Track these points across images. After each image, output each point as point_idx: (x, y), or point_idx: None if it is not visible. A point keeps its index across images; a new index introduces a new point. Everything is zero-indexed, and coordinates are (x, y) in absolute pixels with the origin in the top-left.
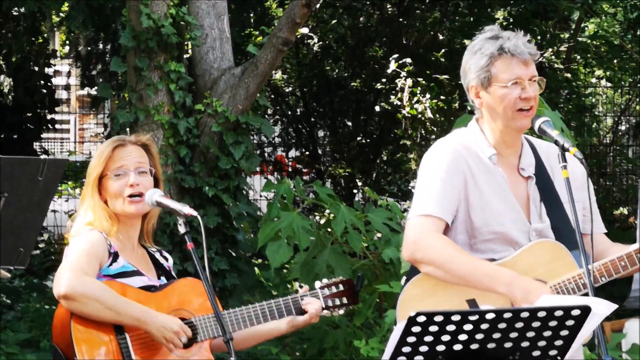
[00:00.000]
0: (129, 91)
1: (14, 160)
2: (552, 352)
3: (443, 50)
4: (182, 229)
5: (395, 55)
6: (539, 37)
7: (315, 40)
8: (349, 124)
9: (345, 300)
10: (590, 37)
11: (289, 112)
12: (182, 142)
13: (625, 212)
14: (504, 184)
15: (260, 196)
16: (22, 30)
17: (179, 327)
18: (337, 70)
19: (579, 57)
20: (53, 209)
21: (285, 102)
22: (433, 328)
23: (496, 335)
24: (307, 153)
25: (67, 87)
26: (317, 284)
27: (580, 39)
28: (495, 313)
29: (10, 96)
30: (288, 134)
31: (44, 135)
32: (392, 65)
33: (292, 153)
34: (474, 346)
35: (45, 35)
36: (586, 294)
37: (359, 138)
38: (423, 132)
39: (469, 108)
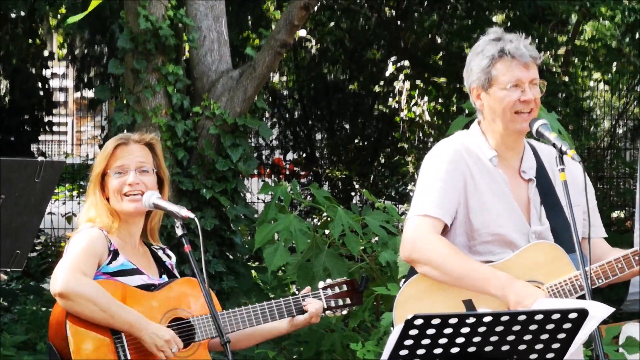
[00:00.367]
0: (127, 93)
1: (11, 162)
2: (550, 355)
3: (441, 54)
4: (179, 232)
5: (393, 58)
6: (536, 41)
7: (313, 43)
8: (347, 126)
9: (348, 301)
10: (588, 41)
11: (287, 115)
12: (179, 144)
13: (622, 215)
14: (505, 186)
15: (258, 199)
16: (19, 33)
17: (171, 337)
18: (335, 73)
19: (576, 60)
20: (50, 212)
21: (283, 104)
22: (430, 331)
23: (493, 338)
24: (304, 156)
25: (64, 90)
26: (321, 284)
27: (578, 42)
28: (493, 316)
29: (6, 99)
30: (286, 136)
31: (41, 137)
32: (390, 68)
33: (290, 156)
34: (472, 349)
35: (43, 37)
36: (582, 296)
37: (356, 141)
38: (421, 135)
39: (466, 111)
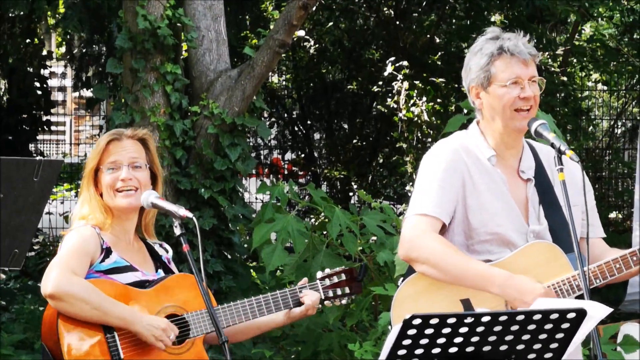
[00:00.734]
0: (125, 93)
1: (9, 161)
2: (548, 355)
3: (439, 54)
4: (177, 231)
5: (392, 58)
6: (535, 41)
7: (312, 43)
8: (345, 126)
9: (347, 290)
10: (587, 41)
11: (285, 115)
12: (178, 144)
13: (621, 215)
14: (503, 186)
15: (256, 198)
16: (17, 32)
17: (166, 325)
18: (333, 73)
19: (575, 60)
20: (48, 211)
21: (281, 104)
22: (429, 331)
23: (492, 338)
24: (303, 155)
25: (62, 89)
26: (319, 274)
27: (576, 42)
28: (491, 316)
29: (5, 98)
30: (284, 136)
31: (39, 137)
32: (389, 68)
33: (288, 155)
34: (470, 349)
35: (42, 36)
36: (580, 296)
37: (355, 141)
38: (419, 135)
39: (465, 110)
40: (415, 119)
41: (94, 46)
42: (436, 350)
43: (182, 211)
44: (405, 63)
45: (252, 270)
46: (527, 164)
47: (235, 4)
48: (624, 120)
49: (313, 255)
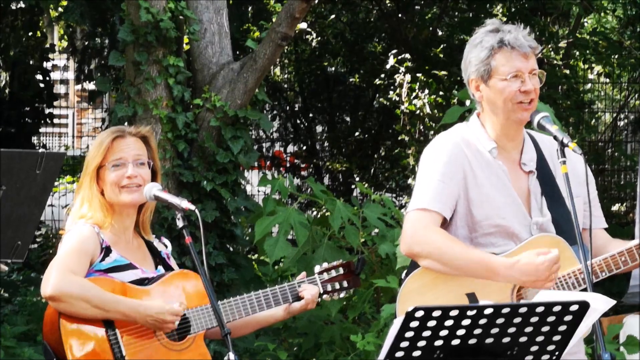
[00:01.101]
0: (128, 85)
1: (12, 153)
2: (550, 348)
3: (442, 46)
4: (180, 223)
5: (394, 51)
6: (537, 33)
7: (314, 35)
8: (348, 119)
9: (345, 284)
10: (589, 34)
11: (288, 108)
12: (180, 136)
13: (623, 208)
14: (505, 178)
15: (258, 191)
16: (19, 25)
17: (170, 314)
18: (335, 66)
19: (577, 53)
20: (50, 204)
21: (283, 97)
22: (431, 323)
23: (494, 331)
24: (305, 148)
25: (64, 82)
26: (317, 268)
27: (579, 35)
28: (494, 308)
29: (6, 91)
30: (286, 129)
31: (42, 129)
32: (391, 61)
33: (290, 148)
34: (472, 341)
35: (44, 29)
36: (586, 289)
37: (357, 134)
38: (421, 127)
39: (467, 102)
40: (418, 111)
41: (97, 39)
42: (438, 343)
43: (185, 203)
44: (407, 56)
45: (254, 263)
46: (528, 156)
47: None
48: (626, 113)
49: (314, 247)
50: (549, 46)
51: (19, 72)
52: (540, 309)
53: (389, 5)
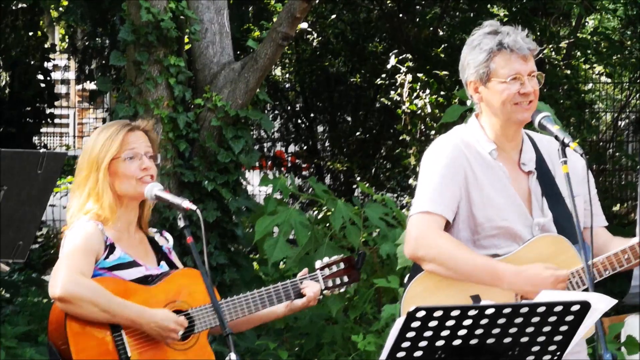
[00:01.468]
0: (129, 85)
1: (13, 153)
2: (552, 348)
3: (443, 46)
4: (181, 223)
5: (395, 51)
6: (538, 33)
7: (315, 35)
8: (349, 119)
9: (346, 279)
10: (591, 34)
11: (289, 107)
12: (181, 136)
13: (625, 208)
14: (505, 179)
15: (260, 191)
16: (20, 25)
17: (174, 323)
18: (336, 66)
19: (578, 53)
20: (52, 204)
21: (284, 97)
22: (432, 323)
23: (495, 331)
24: (306, 148)
25: (65, 82)
26: (317, 263)
27: (580, 35)
28: (495, 308)
29: (6, 91)
30: (287, 129)
31: (43, 129)
32: (392, 61)
33: (292, 148)
34: (474, 341)
35: (45, 29)
36: (587, 289)
37: (358, 133)
38: (422, 127)
39: (468, 102)
40: (419, 111)
41: (97, 39)
42: (440, 343)
43: (186, 203)
44: (408, 56)
45: (255, 263)
46: (527, 156)
47: None
48: (627, 113)
49: (315, 247)
50: (550, 46)
51: (19, 72)
52: (541, 309)
53: (390, 5)
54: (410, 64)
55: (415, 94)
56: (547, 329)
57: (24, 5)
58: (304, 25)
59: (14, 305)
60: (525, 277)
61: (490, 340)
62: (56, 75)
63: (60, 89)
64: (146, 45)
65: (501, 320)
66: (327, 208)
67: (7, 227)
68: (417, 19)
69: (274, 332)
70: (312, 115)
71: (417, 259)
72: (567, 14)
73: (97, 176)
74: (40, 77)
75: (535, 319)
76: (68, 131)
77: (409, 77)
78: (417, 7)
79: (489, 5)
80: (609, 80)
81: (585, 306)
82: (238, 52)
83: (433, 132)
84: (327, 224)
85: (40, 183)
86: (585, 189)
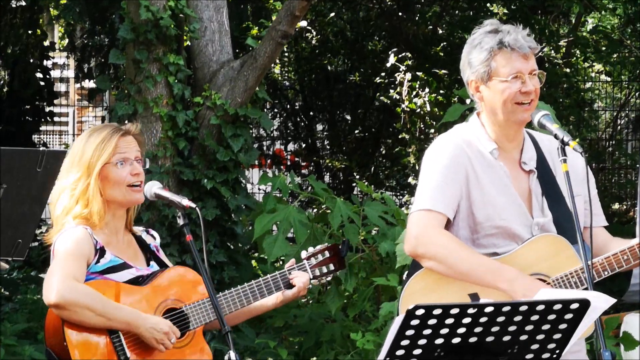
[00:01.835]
0: (128, 83)
1: (12, 151)
2: (551, 346)
3: (442, 45)
4: (180, 221)
5: (395, 49)
6: (537, 32)
7: (314, 33)
8: (348, 117)
9: (332, 267)
10: (590, 32)
11: (288, 106)
12: (180, 134)
13: (624, 207)
14: (506, 179)
15: (259, 189)
16: (19, 23)
17: (169, 328)
18: (336, 64)
19: (578, 51)
20: (50, 202)
21: (284, 95)
22: (432, 321)
23: (495, 329)
24: (305, 146)
25: (64, 80)
26: (303, 253)
27: (579, 33)
28: (494, 306)
29: (4, 90)
30: (287, 127)
31: (42, 128)
32: (392, 59)
33: (291, 146)
34: (473, 339)
35: (44, 27)
36: (586, 289)
37: (357, 132)
38: (422, 126)
39: (467, 101)
40: (418, 110)
41: (96, 37)
42: (439, 341)
43: (185, 201)
44: (408, 54)
45: (254, 261)
46: (528, 156)
47: None
48: (627, 111)
49: (315, 244)
50: (550, 45)
51: (18, 71)
52: (540, 308)
53: (389, 3)
54: (410, 62)
55: (414, 93)
56: (546, 327)
57: (23, 3)
58: (303, 23)
59: (14, 303)
60: (523, 282)
61: (490, 339)
62: (55, 74)
63: (60, 87)
64: (145, 44)
65: (500, 319)
66: (326, 206)
67: (6, 226)
68: (417, 18)
69: (273, 331)
70: (311, 113)
71: (417, 256)
72: (567, 12)
73: (88, 181)
74: (40, 75)
75: (535, 317)
76: (67, 129)
77: (409, 75)
78: (417, 5)
79: (488, 4)
80: (609, 78)
81: (585, 305)
82: (237, 51)
83: (432, 130)
84: (327, 223)
85: (40, 181)
86: (586, 188)
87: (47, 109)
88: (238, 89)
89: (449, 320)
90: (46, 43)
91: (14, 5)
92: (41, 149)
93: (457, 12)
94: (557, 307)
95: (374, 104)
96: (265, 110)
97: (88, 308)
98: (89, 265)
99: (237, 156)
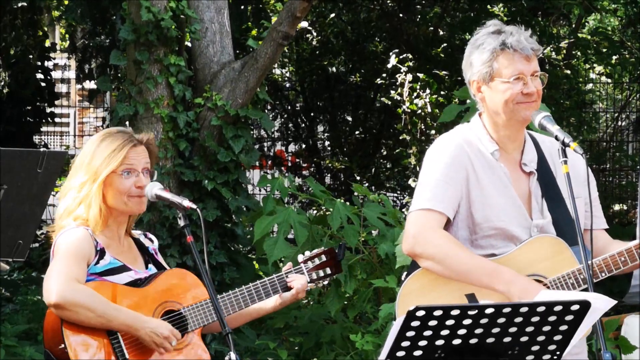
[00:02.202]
0: (129, 84)
1: (13, 152)
2: (551, 347)
3: (443, 46)
4: (181, 222)
5: (396, 51)
6: (538, 34)
7: (315, 34)
8: (349, 118)
9: (328, 271)
10: (591, 34)
11: (289, 107)
12: (181, 135)
13: (625, 208)
14: (506, 180)
15: (260, 190)
16: (19, 24)
17: (169, 332)
18: (336, 65)
19: (579, 53)
20: (52, 203)
21: (284, 96)
22: (432, 323)
23: (495, 330)
24: (305, 147)
25: (65, 81)
26: (300, 257)
27: (580, 35)
28: (495, 308)
29: (4, 91)
30: (287, 128)
31: (43, 128)
32: (393, 60)
33: (292, 147)
34: (473, 341)
35: (45, 28)
36: (586, 289)
37: (358, 133)
38: (423, 127)
39: (468, 101)
40: (419, 111)
41: (97, 38)
42: (439, 342)
43: (186, 202)
44: (408, 55)
45: (255, 262)
46: (529, 157)
47: None
48: (627, 113)
49: (315, 247)
50: (550, 46)
51: (19, 71)
52: (541, 309)
53: (390, 4)
54: (411, 63)
55: (415, 94)
56: (546, 328)
57: (24, 4)
58: (304, 24)
59: (14, 304)
60: (521, 284)
61: (490, 340)
62: (56, 74)
63: (61, 88)
64: (146, 45)
65: (501, 320)
66: (325, 208)
67: (7, 226)
68: (418, 19)
69: (273, 332)
70: (312, 114)
71: (415, 256)
72: (567, 14)
73: (92, 186)
74: (40, 76)
75: (535, 319)
76: (68, 130)
77: (409, 76)
78: (418, 6)
79: (489, 6)
80: (609, 80)
81: (585, 306)
82: (237, 52)
83: (433, 131)
84: (326, 224)
85: (41, 182)
86: (586, 190)
87: (48, 110)
88: (239, 90)
89: (450, 322)
90: (47, 44)
91: (14, 6)
92: (42, 149)
93: (458, 13)
94: (558, 308)
95: (375, 105)
96: (266, 111)
97: (88, 309)
98: (89, 265)
99: (238, 157)
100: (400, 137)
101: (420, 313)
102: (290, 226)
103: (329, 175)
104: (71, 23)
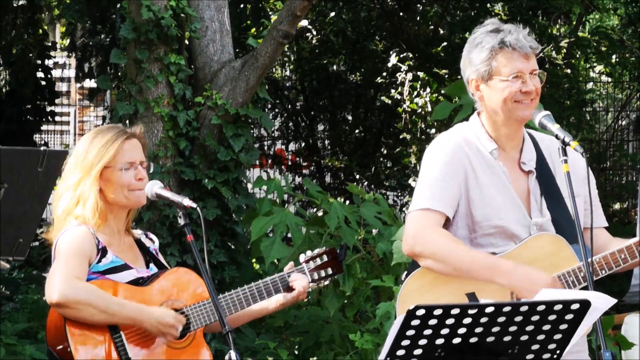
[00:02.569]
0: (129, 83)
1: (13, 151)
2: (551, 346)
3: (443, 45)
4: (181, 221)
5: (396, 50)
6: (537, 33)
7: (315, 33)
8: (349, 117)
9: (330, 271)
10: (591, 33)
11: (289, 106)
12: (181, 134)
13: (625, 206)
14: (505, 179)
15: (260, 189)
16: (20, 23)
17: (174, 320)
18: (337, 64)
19: (579, 52)
20: (52, 202)
21: (284, 95)
22: (432, 322)
23: (495, 329)
24: (305, 146)
25: (66, 80)
26: (302, 257)
27: (580, 34)
28: (495, 307)
29: (4, 89)
30: (288, 127)
31: (43, 127)
32: (393, 59)
33: (292, 146)
34: (473, 340)
35: (45, 27)
36: (585, 287)
37: (358, 132)
38: (423, 126)
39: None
40: (419, 110)
41: (97, 37)
42: (439, 341)
43: (186, 201)
44: (409, 54)
45: (253, 261)
46: (528, 156)
47: None
48: (627, 112)
49: (312, 247)
50: (550, 46)
51: (19, 70)
52: (541, 308)
53: (390, 3)
54: (411, 62)
55: (415, 93)
56: (546, 327)
57: (24, 2)
58: (304, 23)
59: (14, 303)
60: (523, 274)
61: (490, 339)
62: (57, 73)
63: (61, 86)
64: (147, 43)
65: (501, 319)
66: (322, 208)
67: (7, 225)
68: (418, 18)
69: (273, 331)
70: (312, 113)
71: (415, 255)
72: (567, 13)
73: (88, 182)
74: (41, 74)
75: (535, 318)
76: (69, 129)
77: (410, 75)
78: (418, 5)
79: (489, 5)
80: (609, 79)
81: (585, 305)
82: (237, 50)
83: (433, 130)
84: (322, 225)
85: (41, 181)
86: (586, 189)
87: (49, 109)
88: (239, 89)
89: (450, 321)
90: (47, 42)
91: (14, 5)
92: (42, 148)
93: (458, 12)
94: (558, 307)
95: (375, 104)
96: (266, 110)
97: (91, 305)
98: (91, 264)
99: (238, 156)
100: (401, 136)
101: (421, 312)
102: (287, 227)
103: (329, 174)
104: (71, 22)
